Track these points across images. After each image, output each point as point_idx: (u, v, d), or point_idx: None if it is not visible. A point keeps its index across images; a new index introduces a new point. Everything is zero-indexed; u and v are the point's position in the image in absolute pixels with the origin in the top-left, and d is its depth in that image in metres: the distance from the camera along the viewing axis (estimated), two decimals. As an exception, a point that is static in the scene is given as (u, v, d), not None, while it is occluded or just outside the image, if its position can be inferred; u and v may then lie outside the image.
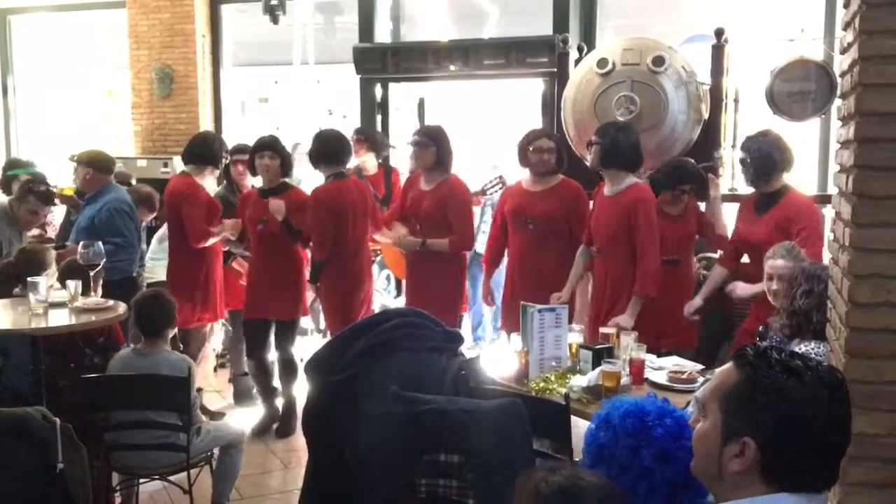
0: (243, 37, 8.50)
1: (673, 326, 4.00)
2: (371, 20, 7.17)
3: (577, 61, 5.08)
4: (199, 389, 4.51)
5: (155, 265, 5.44)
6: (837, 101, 2.26)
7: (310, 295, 4.73)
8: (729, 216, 4.27)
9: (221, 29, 8.07)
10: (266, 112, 9.82)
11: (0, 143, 9.04)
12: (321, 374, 2.54)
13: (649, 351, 3.67)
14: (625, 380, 3.02)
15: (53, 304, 3.63)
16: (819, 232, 3.77)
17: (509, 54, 5.93)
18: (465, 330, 5.54)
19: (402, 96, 7.06)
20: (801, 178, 4.28)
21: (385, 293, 6.28)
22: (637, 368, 3.15)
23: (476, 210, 5.27)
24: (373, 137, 6.04)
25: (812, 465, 1.33)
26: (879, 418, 1.86)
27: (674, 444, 1.70)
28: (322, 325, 6.33)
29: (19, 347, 3.63)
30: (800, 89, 4.56)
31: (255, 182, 5.08)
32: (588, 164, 4.05)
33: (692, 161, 4.30)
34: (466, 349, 3.54)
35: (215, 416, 4.78)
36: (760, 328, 3.37)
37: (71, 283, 3.68)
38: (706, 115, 4.65)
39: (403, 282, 5.20)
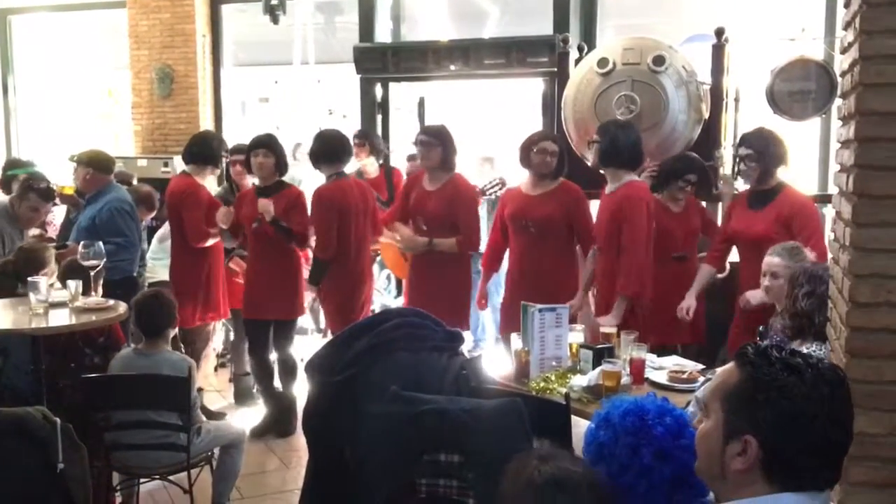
0: (243, 37, 8.50)
1: (682, 322, 4.02)
2: (371, 20, 7.17)
3: (578, 61, 5.08)
4: (200, 389, 4.51)
5: (155, 265, 5.44)
6: (838, 101, 2.26)
7: (309, 295, 4.71)
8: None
9: (222, 29, 8.07)
10: (266, 112, 9.82)
11: (1, 143, 9.04)
12: (321, 374, 2.54)
13: (658, 347, 3.67)
14: (625, 379, 3.02)
15: (54, 304, 3.63)
16: (822, 230, 3.77)
17: (509, 54, 5.93)
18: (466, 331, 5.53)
19: (402, 96, 7.06)
20: (801, 178, 4.27)
21: (385, 293, 6.27)
22: (637, 368, 3.15)
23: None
24: (373, 140, 6.03)
25: (814, 463, 1.33)
26: (880, 418, 1.86)
27: (673, 443, 1.70)
28: (322, 324, 6.33)
29: (19, 347, 3.63)
30: (800, 89, 4.56)
31: (254, 181, 5.08)
32: (589, 163, 4.05)
33: (698, 156, 4.32)
34: (467, 350, 3.55)
35: (216, 416, 4.78)
36: (761, 328, 3.37)
37: (71, 283, 3.68)
38: (706, 115, 4.64)
39: (404, 282, 5.20)
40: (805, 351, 2.67)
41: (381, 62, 6.37)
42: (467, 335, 5.08)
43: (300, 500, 2.69)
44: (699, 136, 4.63)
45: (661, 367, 3.29)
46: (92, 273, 3.81)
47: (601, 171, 3.99)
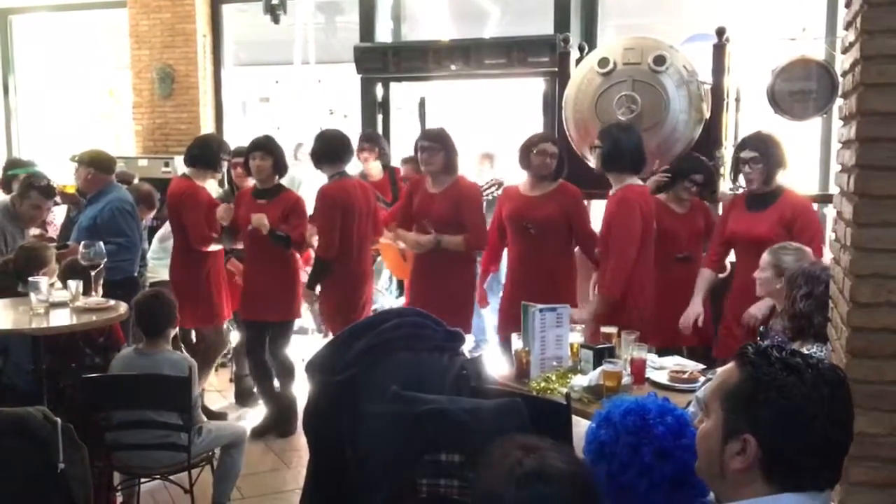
0: (244, 36, 8.50)
1: (692, 324, 4.02)
2: (372, 20, 7.17)
3: (578, 61, 5.08)
4: (202, 390, 4.52)
5: (156, 265, 5.45)
6: (839, 101, 2.26)
7: (309, 299, 4.66)
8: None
9: (222, 28, 8.07)
10: (267, 112, 9.83)
11: (1, 143, 9.04)
12: (322, 374, 2.54)
13: (669, 348, 3.66)
14: (626, 379, 3.02)
15: (54, 304, 3.63)
16: (822, 233, 3.76)
17: (510, 54, 5.93)
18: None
19: (403, 96, 7.07)
20: (802, 179, 4.26)
21: (388, 293, 6.27)
22: (638, 368, 3.15)
23: None
24: (381, 144, 5.97)
25: (813, 463, 1.33)
26: (880, 418, 1.85)
27: (674, 442, 1.71)
28: (323, 325, 6.33)
29: (20, 347, 3.63)
30: (801, 89, 4.55)
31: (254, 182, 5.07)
32: (590, 164, 4.06)
33: (704, 158, 4.32)
34: (468, 350, 3.54)
35: (217, 416, 4.78)
36: (761, 329, 3.37)
37: (72, 283, 3.68)
38: (707, 115, 4.64)
39: (405, 282, 5.19)
40: (805, 352, 2.68)
41: (382, 62, 6.38)
42: (468, 336, 5.08)
43: (301, 500, 2.69)
44: (700, 136, 4.63)
45: (661, 367, 3.29)
46: (92, 273, 3.81)
47: (605, 175, 3.98)
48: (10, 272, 3.95)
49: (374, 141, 5.96)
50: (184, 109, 7.94)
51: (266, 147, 4.59)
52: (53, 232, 5.53)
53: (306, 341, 5.94)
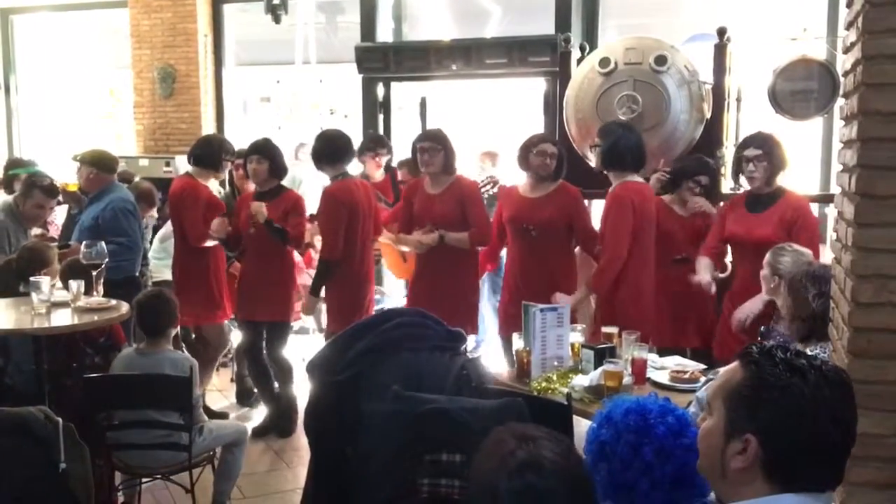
0: (245, 36, 8.50)
1: (695, 325, 4.02)
2: (373, 19, 7.17)
3: (580, 60, 5.08)
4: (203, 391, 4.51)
5: (158, 265, 5.45)
6: (840, 101, 2.26)
7: (314, 303, 4.60)
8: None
9: (223, 28, 8.07)
10: (268, 112, 9.83)
11: (2, 142, 9.05)
12: (323, 374, 2.54)
13: (674, 349, 3.65)
14: (627, 379, 3.02)
15: (56, 304, 3.63)
16: (818, 233, 3.76)
17: (511, 54, 5.93)
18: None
19: (404, 95, 7.06)
20: (803, 179, 4.26)
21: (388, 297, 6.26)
22: (639, 368, 3.15)
23: None
24: (388, 148, 5.95)
25: (815, 464, 1.33)
26: (882, 419, 1.85)
27: (675, 442, 1.71)
28: (324, 325, 6.32)
29: (21, 347, 3.63)
30: (802, 88, 4.55)
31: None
32: (591, 164, 4.06)
33: (710, 160, 4.33)
34: (469, 350, 3.54)
35: (218, 416, 4.78)
36: (762, 328, 3.36)
37: (73, 283, 3.68)
38: (708, 115, 4.64)
39: (405, 282, 5.19)
40: (808, 352, 2.68)
41: (383, 62, 6.38)
42: (472, 338, 5.07)
43: (301, 499, 2.69)
44: (701, 136, 4.63)
45: (662, 367, 3.29)
46: (94, 273, 3.81)
47: (604, 173, 3.98)
48: (12, 271, 3.95)
49: (384, 147, 5.92)
50: (185, 109, 7.94)
51: (262, 150, 4.59)
52: (55, 232, 5.53)
53: (307, 341, 5.94)
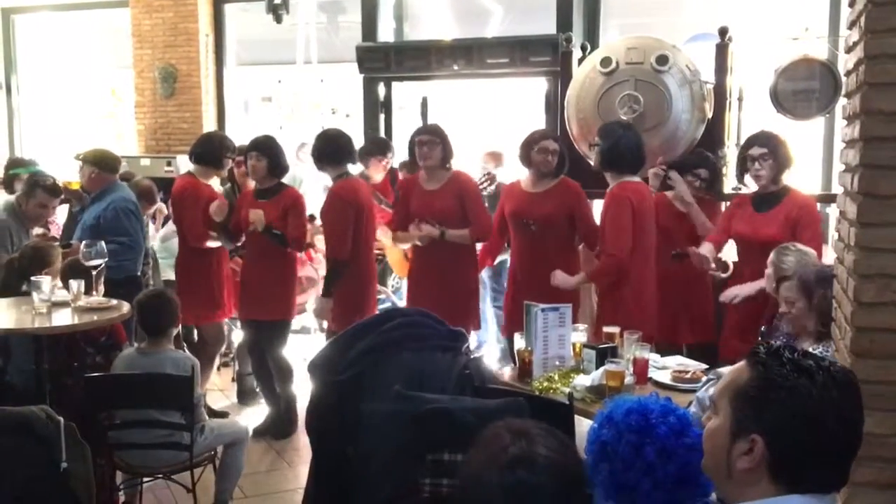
0: (246, 36, 8.50)
1: (689, 321, 4.01)
2: (374, 19, 7.16)
3: (581, 60, 5.08)
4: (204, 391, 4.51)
5: (161, 264, 5.45)
6: (842, 100, 2.25)
7: (324, 304, 4.53)
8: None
9: (225, 28, 8.07)
10: (269, 111, 9.83)
11: (4, 142, 9.05)
12: (324, 374, 2.54)
13: (669, 346, 3.65)
14: (628, 379, 3.02)
15: (56, 304, 3.63)
16: (821, 232, 3.75)
17: (513, 53, 5.92)
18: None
19: (405, 95, 7.06)
20: (804, 178, 4.25)
21: (396, 296, 6.25)
22: (641, 368, 3.15)
23: None
24: (391, 154, 5.93)
25: (821, 465, 1.33)
26: (885, 418, 1.85)
27: (676, 442, 1.70)
28: (325, 324, 6.31)
29: (21, 346, 3.63)
30: (804, 88, 4.55)
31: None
32: (591, 163, 4.06)
33: (710, 154, 4.32)
34: (471, 349, 3.53)
35: (219, 415, 4.78)
36: (763, 328, 3.36)
37: (73, 283, 3.68)
38: (710, 114, 4.64)
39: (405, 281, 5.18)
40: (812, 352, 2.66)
41: (384, 61, 6.37)
42: (474, 334, 5.07)
43: (303, 499, 2.69)
44: (702, 136, 4.63)
45: (664, 367, 3.29)
46: (93, 273, 3.81)
47: (604, 174, 3.98)
48: (15, 270, 3.95)
49: (389, 150, 5.91)
50: (186, 109, 7.94)
51: (260, 147, 4.57)
52: (56, 231, 5.53)
53: (308, 341, 5.94)
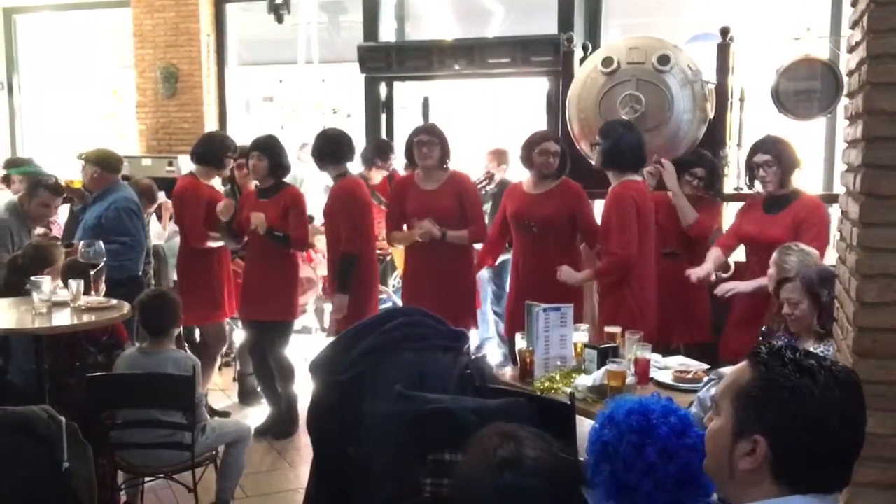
0: (248, 36, 8.51)
1: (682, 320, 4.01)
2: (376, 19, 7.16)
3: (582, 60, 5.07)
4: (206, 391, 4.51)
5: (168, 263, 5.45)
6: (844, 100, 2.25)
7: (339, 302, 4.50)
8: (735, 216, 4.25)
9: (226, 28, 8.08)
10: (271, 111, 9.84)
11: (5, 141, 9.06)
12: (325, 374, 2.54)
13: (661, 345, 3.65)
14: (630, 379, 3.02)
15: (56, 304, 3.62)
16: (826, 233, 3.75)
17: (514, 53, 5.92)
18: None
19: (406, 95, 7.06)
20: (806, 178, 4.24)
21: (396, 295, 6.25)
22: (642, 368, 3.15)
23: None
24: (392, 159, 5.94)
25: (823, 466, 1.32)
26: (887, 418, 1.85)
27: (677, 442, 1.70)
28: (326, 324, 6.31)
29: (22, 346, 3.63)
30: (805, 88, 4.55)
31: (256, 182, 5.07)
32: (592, 163, 4.06)
33: (708, 153, 4.32)
34: (473, 349, 3.54)
35: (221, 415, 4.78)
36: (764, 328, 3.36)
37: (73, 283, 3.68)
38: (711, 114, 4.63)
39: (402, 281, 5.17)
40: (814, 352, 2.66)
41: (386, 61, 6.37)
42: (474, 334, 5.06)
43: (304, 499, 2.70)
44: (704, 136, 4.63)
45: (665, 367, 3.29)
46: (92, 273, 3.80)
47: (606, 172, 3.98)
48: (18, 268, 3.95)
49: (393, 153, 5.90)
50: (187, 109, 7.95)
51: (262, 147, 4.56)
52: (57, 231, 5.53)
53: (309, 341, 5.94)
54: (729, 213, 4.81)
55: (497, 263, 5.08)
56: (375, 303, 4.68)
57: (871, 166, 1.86)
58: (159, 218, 5.77)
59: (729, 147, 4.74)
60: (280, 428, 4.68)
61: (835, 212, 3.32)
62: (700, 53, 4.87)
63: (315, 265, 5.59)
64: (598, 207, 4.71)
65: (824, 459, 1.32)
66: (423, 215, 4.34)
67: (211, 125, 7.90)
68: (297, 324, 5.10)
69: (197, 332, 5.36)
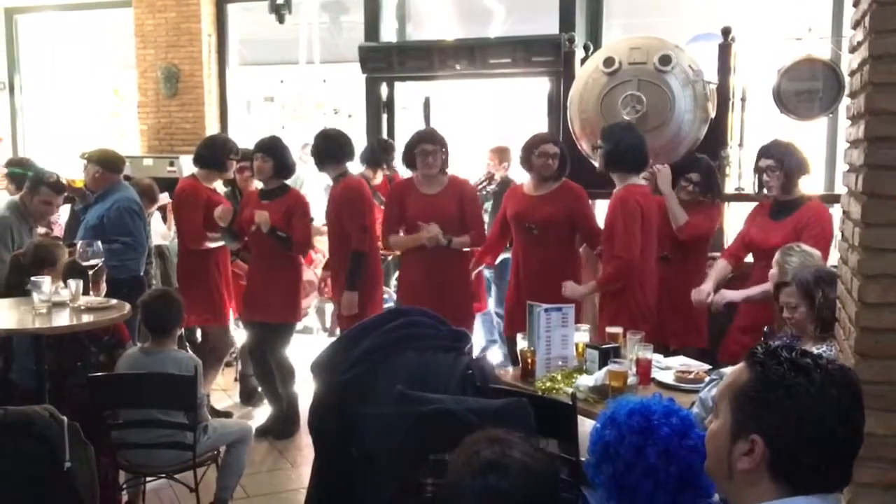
0: (249, 36, 8.52)
1: (678, 323, 4.01)
2: (377, 19, 7.17)
3: (584, 60, 5.07)
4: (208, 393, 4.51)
5: (173, 264, 5.45)
6: (846, 100, 2.25)
7: (350, 298, 4.47)
8: (737, 216, 4.24)
9: (227, 28, 8.09)
10: (272, 111, 9.84)
11: (7, 141, 9.07)
12: (327, 374, 2.54)
13: (657, 348, 3.65)
14: (631, 379, 3.02)
15: (57, 304, 3.62)
16: (828, 237, 3.72)
17: (515, 53, 5.92)
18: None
19: (407, 95, 7.06)
20: (807, 178, 4.23)
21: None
22: (644, 368, 3.14)
23: None
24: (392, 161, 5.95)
25: (821, 465, 1.32)
26: (888, 419, 1.84)
27: (678, 443, 1.70)
28: (328, 324, 6.32)
29: (23, 346, 3.63)
30: (807, 88, 4.55)
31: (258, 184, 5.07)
32: (595, 163, 4.06)
33: (705, 157, 4.31)
34: (474, 350, 3.53)
35: (222, 415, 4.78)
36: (765, 328, 3.36)
37: (72, 283, 3.68)
38: (713, 114, 4.63)
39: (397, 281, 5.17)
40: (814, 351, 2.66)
41: (387, 62, 6.37)
42: (479, 336, 5.06)
43: (306, 499, 2.70)
44: (705, 136, 4.62)
45: (667, 368, 3.29)
46: (91, 273, 3.80)
47: (608, 174, 3.98)
48: (19, 266, 3.95)
49: (390, 159, 5.90)
50: (189, 109, 7.95)
51: (265, 149, 4.57)
52: (59, 231, 5.54)
53: (311, 341, 5.94)
54: (729, 214, 4.81)
55: (497, 263, 5.08)
56: (380, 301, 4.68)
57: (873, 166, 1.86)
58: (164, 218, 5.78)
59: (730, 147, 4.73)
60: (281, 428, 4.68)
61: (836, 212, 3.32)
62: (701, 53, 4.87)
63: (315, 267, 5.59)
64: (599, 208, 4.72)
65: (822, 458, 1.32)
66: (426, 219, 4.31)
67: (212, 125, 7.91)
68: (298, 324, 5.10)
69: (198, 333, 5.36)
